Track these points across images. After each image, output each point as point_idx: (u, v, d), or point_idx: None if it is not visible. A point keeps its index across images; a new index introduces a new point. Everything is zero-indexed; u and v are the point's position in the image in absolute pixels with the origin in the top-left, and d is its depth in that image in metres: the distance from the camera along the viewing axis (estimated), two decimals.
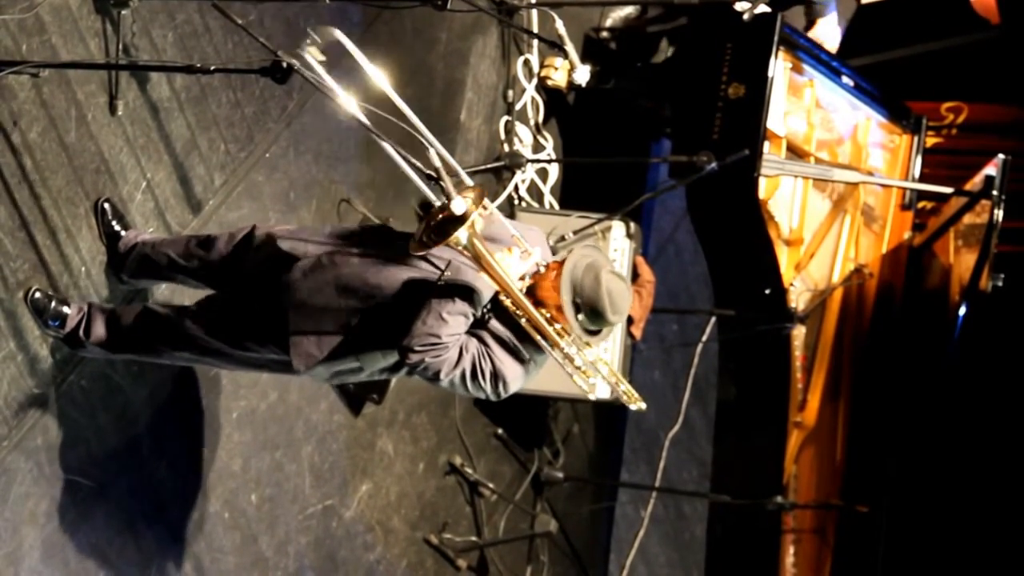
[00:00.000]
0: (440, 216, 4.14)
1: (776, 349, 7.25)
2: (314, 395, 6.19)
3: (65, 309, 4.82)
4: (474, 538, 7.34)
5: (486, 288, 4.27)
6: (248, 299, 4.60)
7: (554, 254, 4.61)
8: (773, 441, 7.36)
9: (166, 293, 5.25)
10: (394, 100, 4.39)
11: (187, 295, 5.08)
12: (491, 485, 7.32)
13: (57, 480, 4.94)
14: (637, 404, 4.72)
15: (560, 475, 7.85)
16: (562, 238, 6.89)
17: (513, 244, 4.33)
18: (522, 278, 4.31)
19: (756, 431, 7.51)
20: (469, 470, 7.22)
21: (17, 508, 4.80)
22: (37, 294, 4.77)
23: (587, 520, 8.51)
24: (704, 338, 8.96)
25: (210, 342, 4.60)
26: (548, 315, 4.29)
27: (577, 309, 4.27)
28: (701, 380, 9.17)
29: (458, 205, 4.08)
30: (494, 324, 4.36)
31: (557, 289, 4.26)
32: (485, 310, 4.33)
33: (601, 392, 6.97)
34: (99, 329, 4.81)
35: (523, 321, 4.29)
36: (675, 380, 9.15)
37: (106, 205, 5.00)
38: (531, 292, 4.31)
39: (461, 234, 4.07)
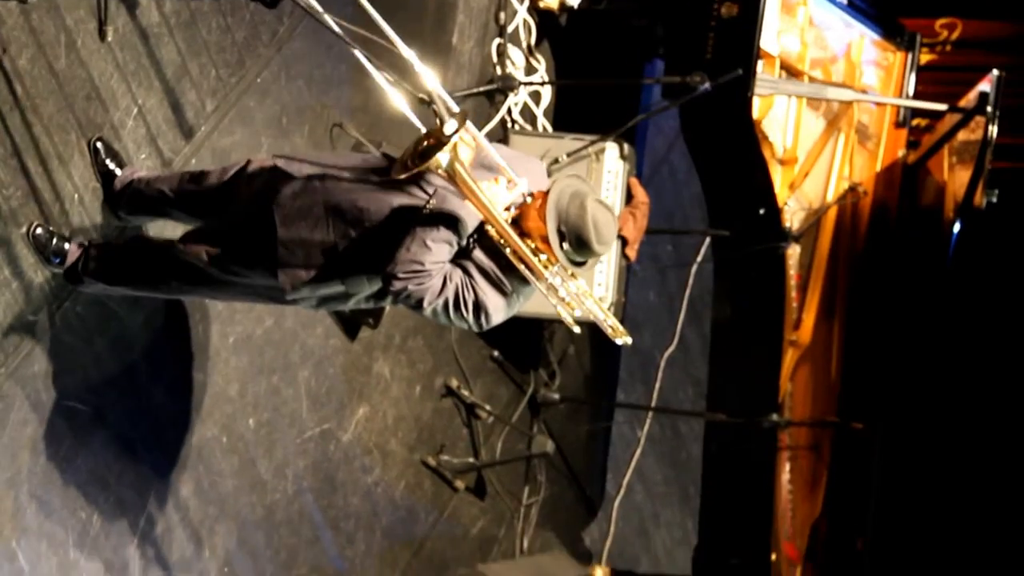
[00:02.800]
0: (427, 141, 4.12)
1: (771, 268, 7.25)
2: (310, 320, 6.20)
3: (66, 246, 4.83)
4: (471, 460, 7.38)
5: (471, 216, 4.25)
6: (239, 226, 4.59)
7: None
8: (768, 360, 7.37)
9: (159, 227, 5.25)
10: (385, 30, 4.36)
11: (180, 230, 5.07)
12: (488, 407, 7.35)
13: (54, 406, 4.97)
14: (623, 339, 4.62)
15: (556, 396, 7.88)
16: (556, 160, 6.87)
17: (500, 174, 4.32)
18: (508, 208, 4.29)
19: (751, 350, 7.52)
20: (466, 392, 7.25)
21: (15, 434, 4.84)
22: (39, 230, 4.78)
23: (584, 441, 8.55)
24: (699, 258, 8.96)
25: (201, 268, 4.60)
26: (533, 245, 4.26)
27: (562, 238, 4.24)
28: (696, 300, 9.18)
29: (451, 127, 4.07)
30: (478, 255, 4.33)
31: (542, 218, 4.22)
32: (471, 239, 4.32)
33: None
34: (95, 262, 4.82)
35: (508, 251, 4.27)
36: (670, 301, 9.15)
37: (99, 144, 4.99)
38: (516, 222, 4.28)
39: (442, 157, 4.05)
